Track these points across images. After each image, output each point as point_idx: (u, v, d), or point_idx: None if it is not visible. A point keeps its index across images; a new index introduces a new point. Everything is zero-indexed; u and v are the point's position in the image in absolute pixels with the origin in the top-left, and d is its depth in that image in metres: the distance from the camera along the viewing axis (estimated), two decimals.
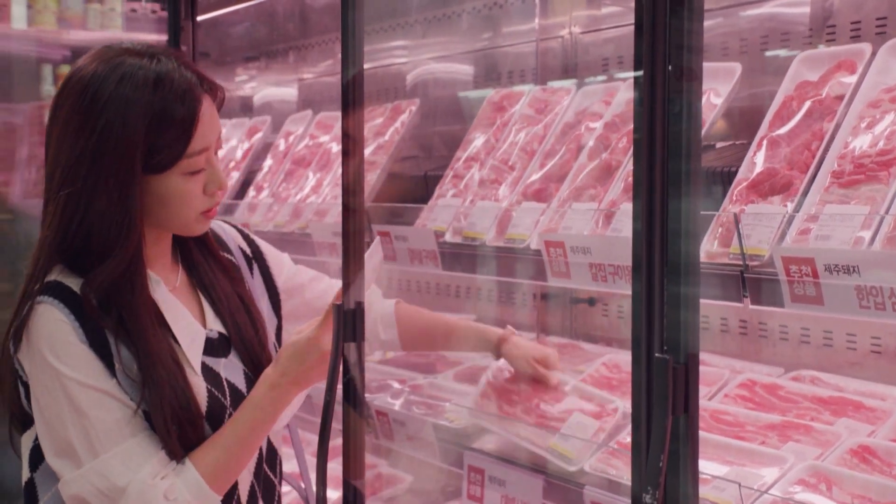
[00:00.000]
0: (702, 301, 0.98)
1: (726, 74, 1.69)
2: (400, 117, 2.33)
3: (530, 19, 2.41)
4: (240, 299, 1.56)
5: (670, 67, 0.98)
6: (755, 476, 1.48)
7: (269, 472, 1.63)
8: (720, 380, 1.82)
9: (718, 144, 1.79)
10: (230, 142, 2.98)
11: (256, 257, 1.67)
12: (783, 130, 1.51)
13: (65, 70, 4.10)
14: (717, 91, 1.69)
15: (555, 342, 2.24)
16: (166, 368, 1.41)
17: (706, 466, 1.50)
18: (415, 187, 2.24)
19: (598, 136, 1.81)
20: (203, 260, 1.56)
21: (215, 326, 1.53)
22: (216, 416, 1.47)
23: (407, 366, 2.26)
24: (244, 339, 1.54)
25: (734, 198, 1.48)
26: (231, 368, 1.52)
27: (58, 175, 1.42)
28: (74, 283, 1.42)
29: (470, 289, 2.46)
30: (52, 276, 1.43)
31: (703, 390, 1.82)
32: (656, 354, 0.98)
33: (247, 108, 3.30)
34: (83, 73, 1.43)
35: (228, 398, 1.49)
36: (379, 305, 1.81)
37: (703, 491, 1.42)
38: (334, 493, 1.69)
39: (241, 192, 2.75)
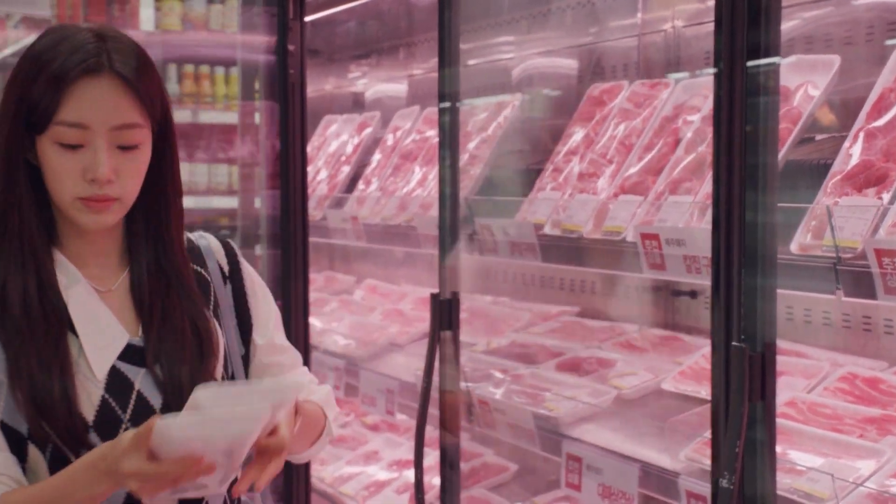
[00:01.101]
0: (799, 294, 1.00)
1: (825, 67, 1.68)
2: (503, 112, 2.37)
3: (632, 14, 2.42)
4: (186, 315, 1.46)
5: (748, 63, 1.00)
6: (850, 468, 1.47)
7: None
8: (820, 373, 1.81)
9: (818, 137, 1.78)
10: (341, 137, 3.07)
11: (233, 277, 1.57)
12: (880, 122, 1.50)
13: (189, 69, 4.28)
14: (815, 83, 1.68)
15: (656, 334, 2.25)
16: (32, 365, 1.35)
17: (801, 457, 1.50)
18: (517, 181, 2.28)
19: (696, 130, 1.82)
20: (149, 261, 1.49)
21: (144, 333, 1.45)
22: (107, 428, 1.39)
23: (510, 356, 2.30)
24: (165, 353, 1.44)
25: (828, 190, 1.48)
26: (150, 382, 1.43)
27: None
28: None
29: (571, 280, 2.49)
30: None
31: (802, 383, 1.81)
32: (733, 343, 1.01)
33: (359, 104, 3.38)
34: None
35: (129, 411, 1.41)
36: None
37: (797, 482, 1.42)
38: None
39: (350, 185, 2.83)
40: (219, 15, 4.38)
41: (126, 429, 1.38)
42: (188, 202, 3.94)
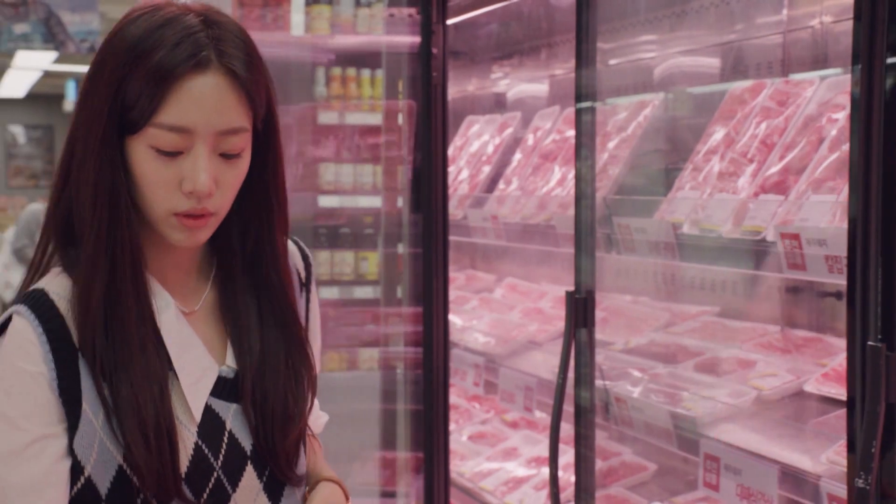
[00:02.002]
0: None
1: None
2: (643, 111, 2.38)
3: (777, 10, 2.38)
4: (280, 330, 1.29)
5: (888, 60, 1.00)
6: None
7: None
8: None
9: None
10: (483, 137, 3.12)
11: (307, 287, 1.40)
12: None
13: (336, 72, 4.41)
14: None
15: (799, 335, 2.22)
16: (140, 417, 1.16)
17: None
18: (656, 180, 2.28)
19: (840, 128, 1.79)
20: (242, 280, 1.29)
21: (233, 364, 1.27)
22: (197, 479, 1.21)
23: (649, 356, 2.30)
24: (262, 389, 1.26)
25: None
26: (240, 420, 1.25)
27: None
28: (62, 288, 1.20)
29: (711, 280, 2.47)
30: (49, 276, 1.21)
31: None
32: (869, 342, 1.00)
33: (500, 104, 3.42)
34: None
35: (221, 458, 1.23)
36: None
37: None
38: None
39: (490, 185, 2.88)
40: (365, 18, 4.49)
41: (216, 479, 1.22)
42: (333, 201, 4.12)
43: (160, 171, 1.18)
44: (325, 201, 4.20)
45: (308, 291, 1.39)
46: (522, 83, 3.28)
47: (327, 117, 4.27)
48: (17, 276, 7.20)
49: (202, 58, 1.16)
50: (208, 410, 1.23)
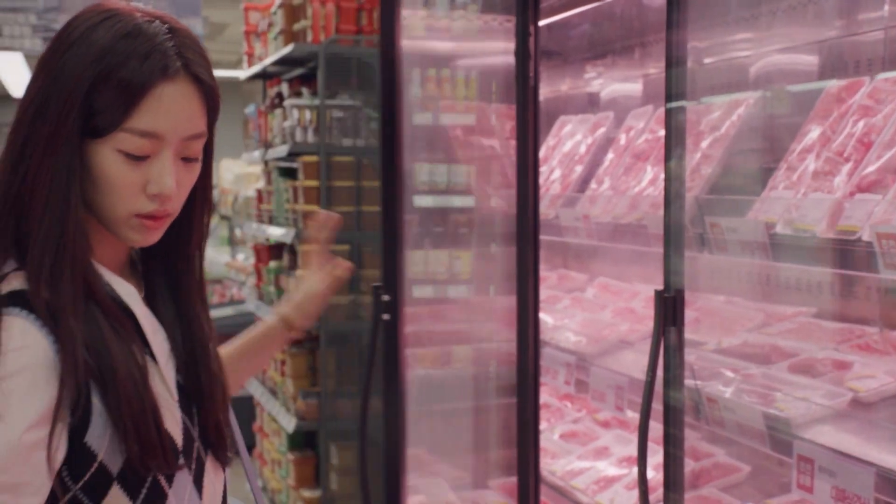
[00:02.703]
0: None
1: None
2: (737, 111, 2.36)
3: (879, 6, 2.34)
4: (202, 311, 1.39)
5: None
6: None
7: None
8: None
9: None
10: (575, 137, 3.13)
11: None
12: None
13: (431, 73, 4.46)
14: None
15: None
16: (128, 403, 1.20)
17: None
18: (750, 179, 2.27)
19: None
20: (169, 269, 1.37)
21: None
22: (187, 451, 1.29)
23: (741, 356, 2.28)
24: (196, 358, 1.36)
25: None
26: (194, 396, 1.36)
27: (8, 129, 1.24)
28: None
29: (807, 281, 2.44)
30: (12, 278, 1.20)
31: None
32: None
33: (594, 104, 3.42)
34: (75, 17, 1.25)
35: (196, 429, 1.32)
36: None
37: None
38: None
39: (582, 185, 2.89)
40: (460, 20, 4.54)
41: (198, 447, 1.30)
42: (427, 201, 4.17)
43: (126, 175, 1.21)
44: (420, 201, 4.26)
45: None
46: (616, 83, 3.27)
47: (423, 118, 4.33)
48: None
49: (174, 68, 1.20)
50: (180, 388, 1.31)
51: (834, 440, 1.84)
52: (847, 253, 1.75)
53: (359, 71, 4.49)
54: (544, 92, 2.88)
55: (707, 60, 2.70)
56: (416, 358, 3.15)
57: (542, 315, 2.75)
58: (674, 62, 1.56)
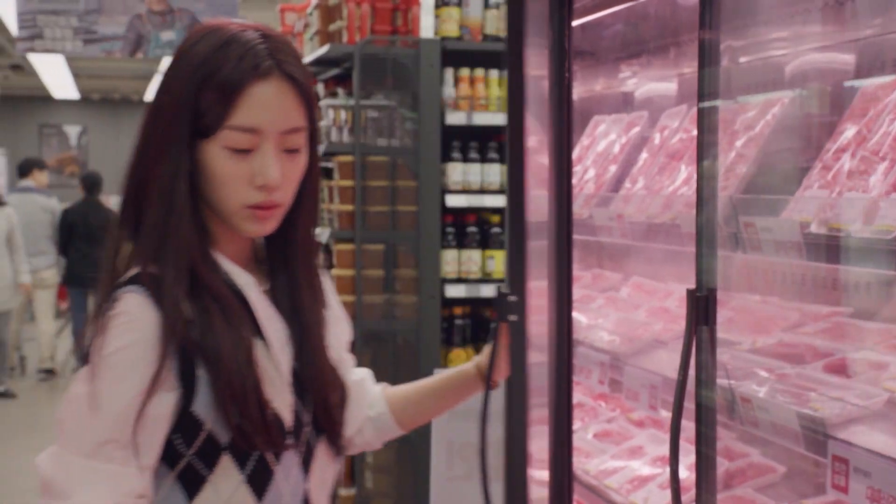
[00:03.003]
0: None
1: None
2: (771, 110, 2.35)
3: None
4: (319, 307, 1.50)
5: None
6: None
7: None
8: None
9: None
10: (609, 136, 3.13)
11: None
12: None
13: (464, 73, 4.48)
14: None
15: None
16: (238, 372, 1.33)
17: None
18: (784, 179, 2.26)
19: None
20: (294, 265, 1.48)
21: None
22: (297, 433, 1.41)
23: (776, 356, 2.28)
24: (313, 349, 1.47)
25: None
26: (308, 379, 1.47)
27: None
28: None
29: (839, 280, 2.42)
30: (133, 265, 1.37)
31: None
32: None
33: (628, 103, 3.42)
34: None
35: (307, 412, 1.44)
36: (368, 388, 1.76)
37: None
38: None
39: (616, 184, 2.89)
40: (494, 19, 4.55)
41: (307, 430, 1.42)
42: (461, 200, 4.19)
43: (234, 169, 1.33)
44: (453, 200, 4.27)
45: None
46: (650, 82, 3.27)
47: (455, 118, 4.35)
48: None
49: (266, 67, 1.32)
50: (294, 373, 1.42)
51: (869, 440, 1.83)
52: (883, 252, 1.75)
53: (394, 71, 4.51)
54: (578, 91, 2.88)
55: (742, 59, 2.69)
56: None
57: (575, 314, 2.76)
58: (706, 61, 1.56)
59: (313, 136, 1.42)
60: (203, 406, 1.33)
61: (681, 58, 3.16)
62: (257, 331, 1.39)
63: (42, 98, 17.63)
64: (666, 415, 2.83)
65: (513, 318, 1.73)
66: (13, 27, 6.23)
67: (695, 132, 2.72)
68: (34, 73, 13.96)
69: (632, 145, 2.97)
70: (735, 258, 2.19)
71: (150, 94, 18.32)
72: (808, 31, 2.64)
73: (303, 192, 1.43)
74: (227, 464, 1.34)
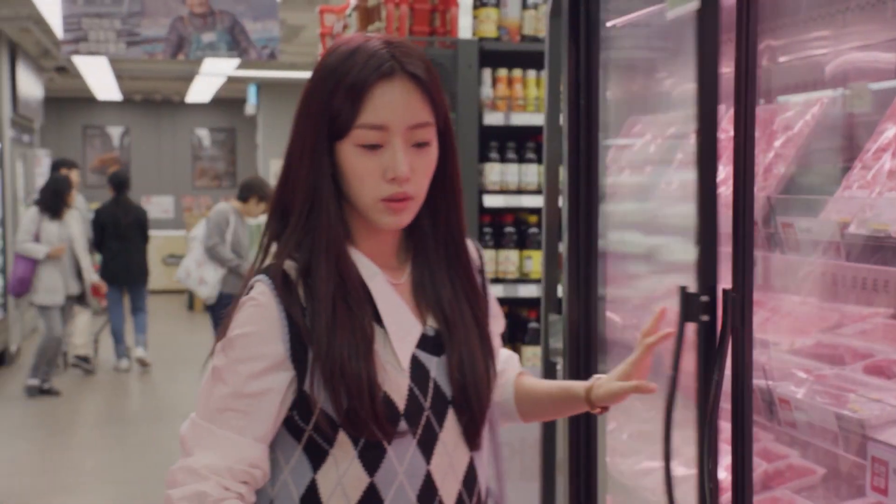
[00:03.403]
0: None
1: None
2: (811, 109, 2.34)
3: None
4: (470, 301, 1.56)
5: None
6: None
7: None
8: None
9: None
10: (645, 137, 3.11)
11: (482, 271, 1.67)
12: None
13: (502, 73, 4.48)
14: None
15: None
16: (343, 355, 1.43)
17: None
18: (823, 179, 2.24)
19: None
20: (436, 258, 1.56)
21: (434, 325, 1.54)
22: (413, 415, 1.48)
23: (815, 356, 2.26)
24: (460, 347, 1.52)
25: None
26: (441, 370, 1.52)
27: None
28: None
29: (879, 281, 2.40)
30: (277, 255, 1.51)
31: None
32: None
33: (666, 104, 3.40)
34: None
35: (429, 400, 1.50)
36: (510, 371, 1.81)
37: None
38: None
39: (649, 188, 2.87)
40: (532, 20, 4.55)
41: (427, 417, 1.48)
42: (499, 200, 4.20)
43: (366, 164, 1.44)
44: (490, 200, 4.28)
45: (482, 274, 1.66)
46: (688, 82, 3.25)
47: (493, 118, 4.35)
48: (210, 272, 7.44)
49: (387, 67, 1.43)
50: (416, 361, 1.49)
51: None
52: None
53: None
54: (615, 92, 2.88)
55: (783, 59, 2.67)
56: None
57: (610, 314, 2.75)
58: (743, 61, 1.56)
59: (446, 130, 1.51)
60: (314, 387, 1.44)
61: (720, 57, 3.14)
62: (378, 320, 1.49)
63: (86, 99, 17.86)
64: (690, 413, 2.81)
65: (704, 318, 1.71)
66: (59, 30, 6.32)
67: (731, 132, 2.71)
68: (78, 75, 14.14)
69: (668, 146, 2.96)
70: (773, 258, 2.18)
71: (191, 95, 18.45)
72: (849, 30, 2.61)
73: (439, 185, 1.52)
74: (343, 439, 1.45)
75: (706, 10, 1.78)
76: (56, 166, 9.65)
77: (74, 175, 9.66)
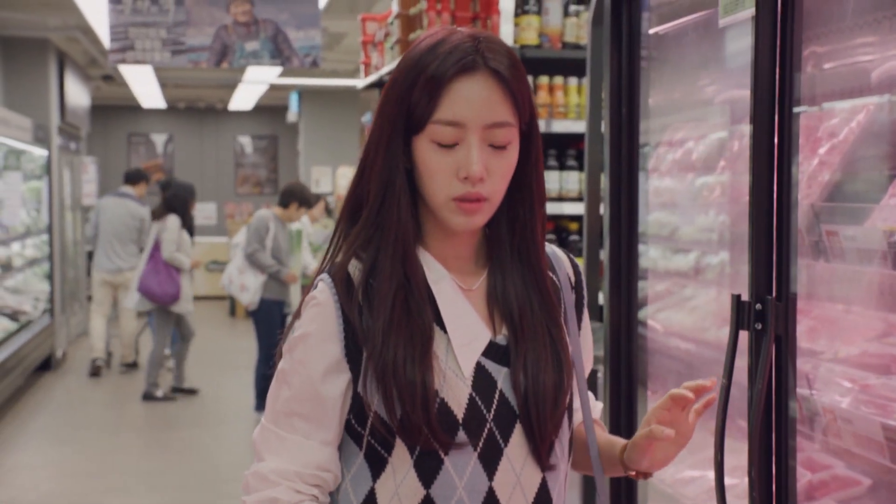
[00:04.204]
0: None
1: None
2: (856, 117, 2.31)
3: None
4: (544, 313, 1.47)
5: None
6: None
7: None
8: None
9: None
10: (686, 143, 3.10)
11: (577, 288, 1.58)
12: None
13: (543, 80, 4.48)
14: None
15: None
16: (398, 356, 1.37)
17: None
18: (869, 186, 2.22)
19: None
20: (511, 266, 1.47)
21: (506, 334, 1.45)
22: (474, 425, 1.40)
23: (860, 366, 2.24)
24: (530, 358, 1.43)
25: None
26: (509, 383, 1.43)
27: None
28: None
29: None
30: (344, 253, 1.47)
31: None
32: None
33: (707, 110, 3.38)
34: None
35: (493, 412, 1.41)
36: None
37: None
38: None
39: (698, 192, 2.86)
40: (573, 27, 4.54)
41: (490, 429, 1.39)
42: None
43: (440, 162, 1.37)
44: None
45: (578, 291, 1.57)
46: (731, 89, 3.23)
47: None
48: (250, 279, 7.52)
49: (468, 61, 1.35)
50: (481, 369, 1.41)
51: None
52: None
53: None
54: (656, 98, 2.87)
55: (828, 66, 2.64)
56: None
57: (651, 322, 2.74)
58: (786, 68, 1.54)
59: (531, 133, 1.43)
60: (368, 389, 1.39)
61: None
62: (442, 325, 1.42)
63: (131, 107, 18.10)
64: (744, 424, 2.79)
65: (758, 326, 1.64)
66: (106, 40, 6.42)
67: (775, 140, 2.69)
68: (124, 83, 14.34)
69: (710, 152, 2.94)
70: (818, 267, 2.16)
71: (233, 103, 18.56)
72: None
73: (519, 190, 1.45)
74: (400, 447, 1.40)
75: (762, 16, 1.76)
76: (137, 177, 9.72)
77: (142, 188, 9.77)
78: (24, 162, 9.77)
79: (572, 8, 4.52)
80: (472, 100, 1.35)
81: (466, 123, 1.36)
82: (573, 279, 1.57)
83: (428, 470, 1.39)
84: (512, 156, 1.40)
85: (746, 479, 2.69)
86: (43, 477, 6.41)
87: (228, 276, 7.68)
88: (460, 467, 1.39)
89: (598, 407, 1.70)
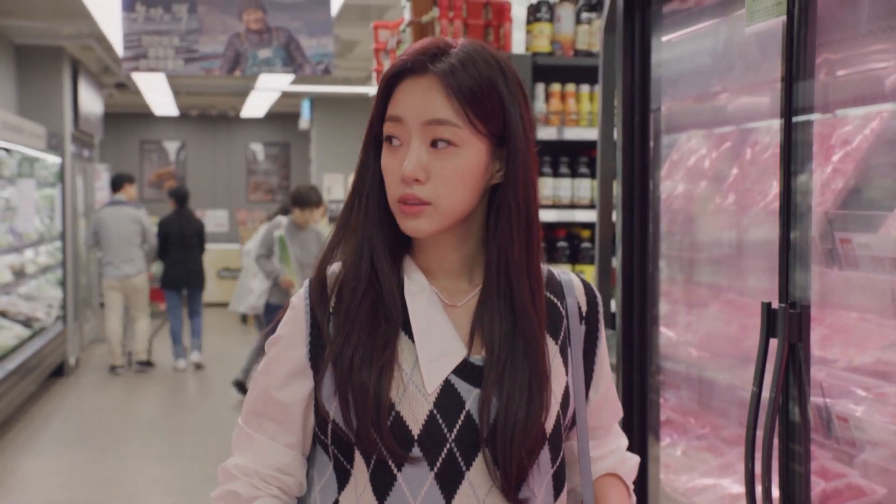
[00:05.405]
0: None
1: None
2: (870, 124, 2.31)
3: None
4: (524, 340, 1.38)
5: None
6: None
7: None
8: None
9: None
10: (699, 151, 3.09)
11: (589, 319, 1.50)
12: None
13: (555, 88, 4.48)
14: None
15: None
16: (355, 360, 1.35)
17: None
18: (883, 194, 2.21)
19: None
20: (500, 291, 1.40)
21: (484, 356, 1.39)
22: (431, 444, 1.34)
23: (874, 374, 2.23)
24: (506, 384, 1.35)
25: None
26: (479, 404, 1.35)
27: None
28: None
29: None
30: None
31: None
32: None
33: (720, 118, 3.37)
34: None
35: (455, 432, 1.35)
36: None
37: None
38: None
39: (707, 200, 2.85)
40: (585, 35, 4.54)
41: (450, 449, 1.33)
42: (551, 215, 4.19)
43: (389, 163, 1.36)
44: (543, 215, 4.27)
45: (591, 323, 1.50)
46: (743, 96, 3.23)
47: (546, 133, 4.35)
48: (257, 282, 7.82)
49: (417, 62, 1.35)
50: (449, 387, 1.36)
51: None
52: None
53: None
54: (669, 105, 2.86)
55: (840, 72, 2.63)
56: None
57: (664, 329, 2.74)
58: (797, 76, 1.54)
59: (512, 148, 1.36)
60: (326, 396, 1.39)
61: (774, 72, 3.11)
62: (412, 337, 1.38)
63: (143, 115, 18.17)
64: (757, 432, 2.78)
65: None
66: (119, 48, 6.44)
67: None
68: (137, 91, 14.40)
69: (722, 160, 2.94)
70: (831, 274, 2.15)
71: (245, 110, 18.63)
72: None
73: (496, 209, 1.38)
74: (359, 458, 1.37)
75: (797, 23, 1.75)
76: (119, 181, 10.06)
77: (133, 190, 9.96)
78: (37, 169, 9.83)
79: (584, 15, 4.52)
80: (413, 96, 1.34)
81: (405, 118, 1.34)
82: (585, 309, 1.50)
83: (381, 484, 1.35)
84: (460, 160, 1.33)
85: (757, 488, 2.69)
86: (55, 483, 6.42)
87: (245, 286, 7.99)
88: (415, 485, 1.33)
89: (629, 462, 1.59)
